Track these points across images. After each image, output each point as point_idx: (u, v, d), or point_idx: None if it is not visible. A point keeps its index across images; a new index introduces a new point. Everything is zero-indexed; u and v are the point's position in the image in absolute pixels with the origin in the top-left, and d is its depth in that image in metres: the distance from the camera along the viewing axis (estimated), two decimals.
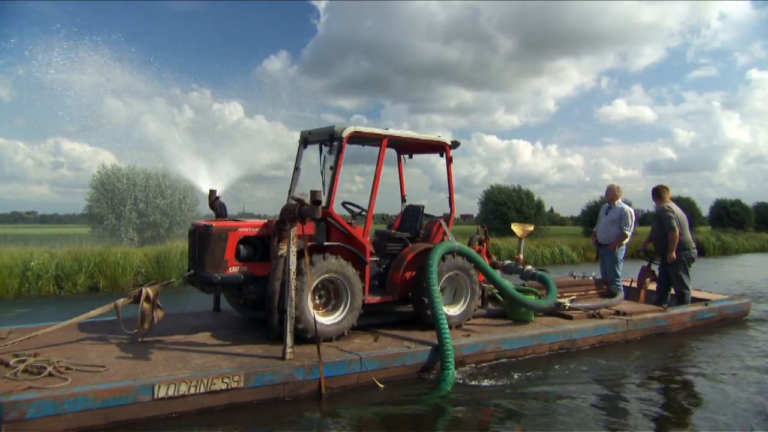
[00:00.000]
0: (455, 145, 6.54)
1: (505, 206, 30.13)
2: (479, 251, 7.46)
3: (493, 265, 7.64)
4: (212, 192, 5.90)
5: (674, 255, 7.71)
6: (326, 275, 5.35)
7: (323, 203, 5.92)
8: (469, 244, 7.63)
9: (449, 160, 6.53)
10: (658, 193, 8.16)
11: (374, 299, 5.91)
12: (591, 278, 8.67)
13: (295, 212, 4.63)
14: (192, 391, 4.12)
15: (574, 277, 8.98)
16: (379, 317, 6.28)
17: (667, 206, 7.92)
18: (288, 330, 4.73)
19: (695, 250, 8.01)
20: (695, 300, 8.23)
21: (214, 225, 5.17)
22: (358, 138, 6.09)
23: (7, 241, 13.55)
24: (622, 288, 8.37)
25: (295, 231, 4.73)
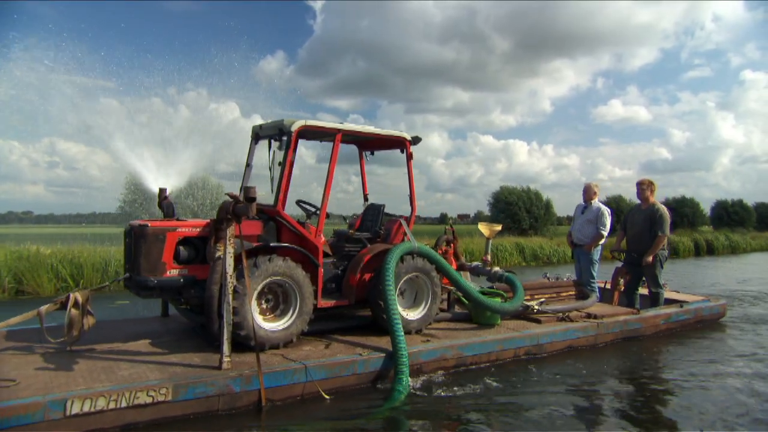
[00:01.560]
0: (416, 140, 6.23)
1: (516, 206, 31.48)
2: (445, 252, 7.17)
3: (461, 267, 7.36)
4: (162, 191, 5.54)
5: (651, 259, 7.44)
6: (272, 278, 5.01)
7: (265, 201, 5.63)
8: (436, 245, 7.35)
9: (409, 157, 6.21)
10: (647, 188, 7.80)
11: (328, 303, 5.58)
12: (565, 279, 8.42)
13: (229, 210, 4.29)
14: (111, 406, 3.76)
15: (548, 279, 8.73)
16: (337, 322, 5.96)
17: (661, 207, 7.63)
18: (225, 337, 4.39)
19: (667, 250, 7.79)
20: (670, 301, 7.99)
21: (149, 224, 4.81)
22: (311, 133, 5.78)
23: (45, 241, 13.57)
24: (597, 289, 8.11)
25: (232, 231, 4.39)
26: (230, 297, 4.39)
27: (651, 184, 7.78)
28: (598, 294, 8.10)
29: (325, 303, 5.55)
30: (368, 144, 6.71)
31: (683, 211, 41.38)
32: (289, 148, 5.31)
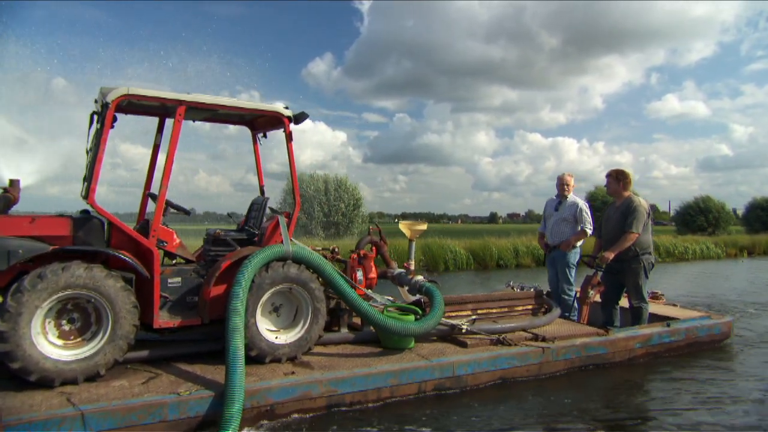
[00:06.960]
0: (300, 118, 4.93)
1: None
2: (364, 257, 5.83)
3: (383, 274, 6.03)
4: (11, 182, 4.48)
5: (610, 255, 5.95)
6: (68, 292, 3.83)
7: (83, 192, 4.49)
8: (357, 248, 6.04)
9: (288, 137, 4.93)
10: (619, 178, 6.31)
11: (171, 323, 4.38)
12: (531, 290, 6.93)
13: None
14: None
15: (512, 288, 7.27)
16: (212, 344, 4.76)
17: (638, 200, 6.14)
18: None
19: (652, 254, 6.24)
20: (657, 318, 6.41)
21: None
22: (148, 107, 4.63)
23: None
24: (574, 298, 6.65)
25: None
26: None
27: (621, 174, 6.26)
28: (576, 305, 6.65)
29: (165, 322, 4.35)
30: (255, 124, 5.49)
31: None
32: (104, 124, 4.13)
